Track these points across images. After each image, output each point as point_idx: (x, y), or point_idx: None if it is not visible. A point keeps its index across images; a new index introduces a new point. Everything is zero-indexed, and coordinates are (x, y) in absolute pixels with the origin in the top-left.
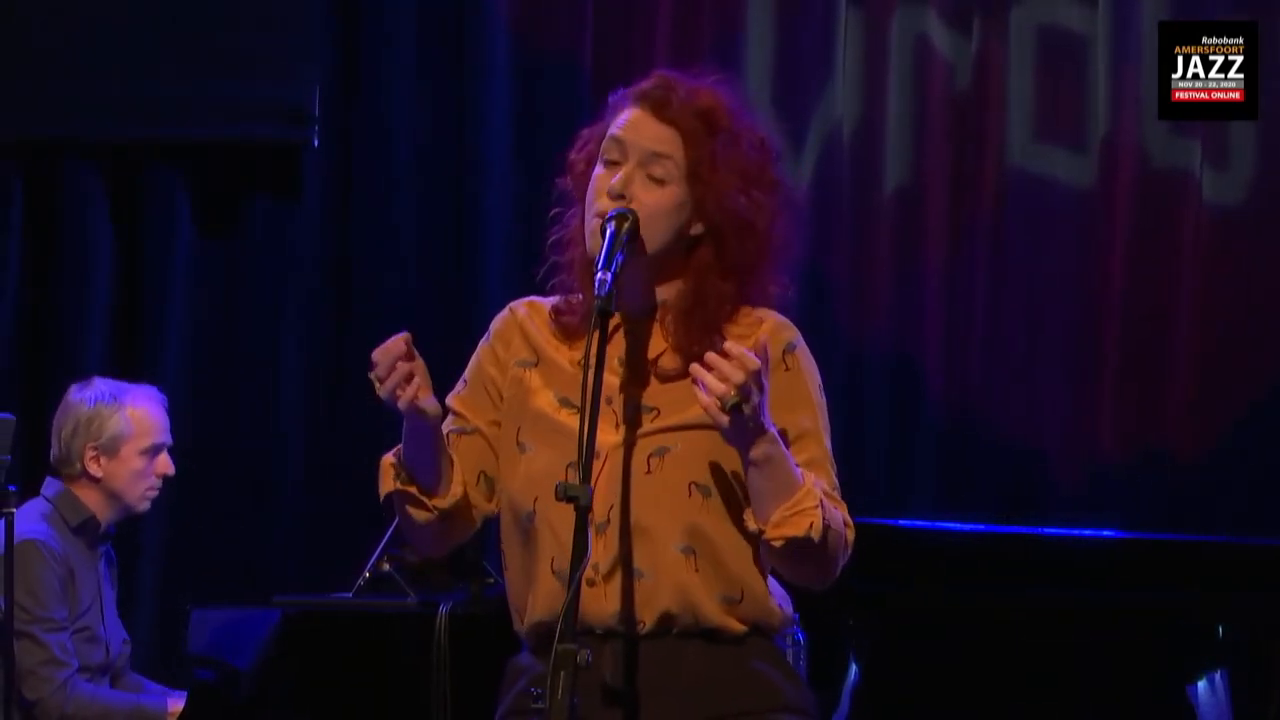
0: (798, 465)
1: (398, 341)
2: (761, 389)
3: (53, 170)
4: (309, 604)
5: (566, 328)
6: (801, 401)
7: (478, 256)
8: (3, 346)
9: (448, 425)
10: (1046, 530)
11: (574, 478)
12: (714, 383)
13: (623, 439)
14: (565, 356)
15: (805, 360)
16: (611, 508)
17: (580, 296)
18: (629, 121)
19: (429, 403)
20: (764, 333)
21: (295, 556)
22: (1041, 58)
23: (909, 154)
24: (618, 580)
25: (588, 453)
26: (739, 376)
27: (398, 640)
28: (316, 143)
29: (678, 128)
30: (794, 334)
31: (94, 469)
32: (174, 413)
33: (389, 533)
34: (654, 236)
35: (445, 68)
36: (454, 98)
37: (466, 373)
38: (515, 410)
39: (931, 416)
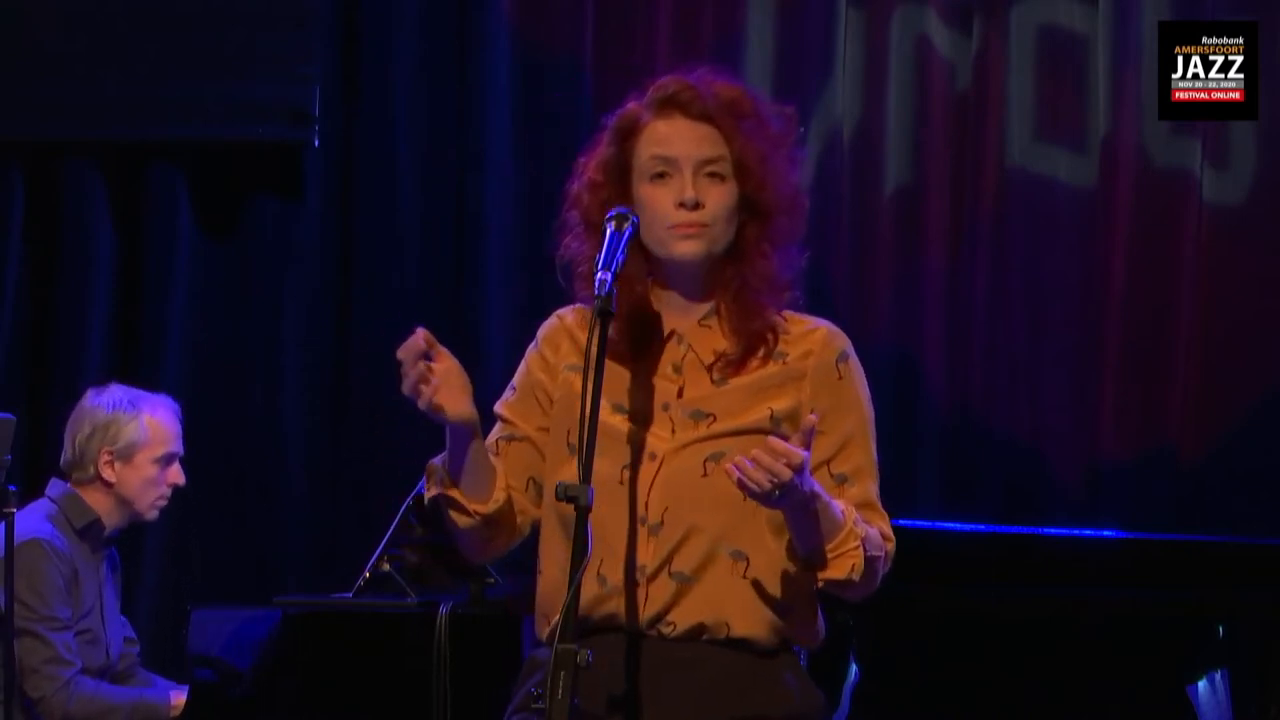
0: (844, 475)
1: (416, 338)
2: (805, 472)
3: (53, 170)
4: (309, 604)
5: (611, 344)
6: (851, 409)
7: (478, 256)
8: (3, 347)
9: (497, 432)
10: (1047, 530)
11: (628, 479)
12: (761, 480)
13: (680, 443)
14: (617, 364)
15: (856, 370)
16: (666, 510)
17: (624, 315)
18: (668, 132)
19: (452, 405)
20: (816, 346)
21: (296, 556)
22: (1041, 58)
23: (909, 154)
24: (662, 582)
25: (588, 453)
26: (785, 475)
27: (398, 640)
28: (317, 143)
29: (715, 124)
30: (846, 343)
31: (108, 474)
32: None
33: (389, 533)
34: (723, 235)
35: (445, 67)
36: (454, 98)
37: (515, 379)
38: (565, 413)
39: (932, 416)
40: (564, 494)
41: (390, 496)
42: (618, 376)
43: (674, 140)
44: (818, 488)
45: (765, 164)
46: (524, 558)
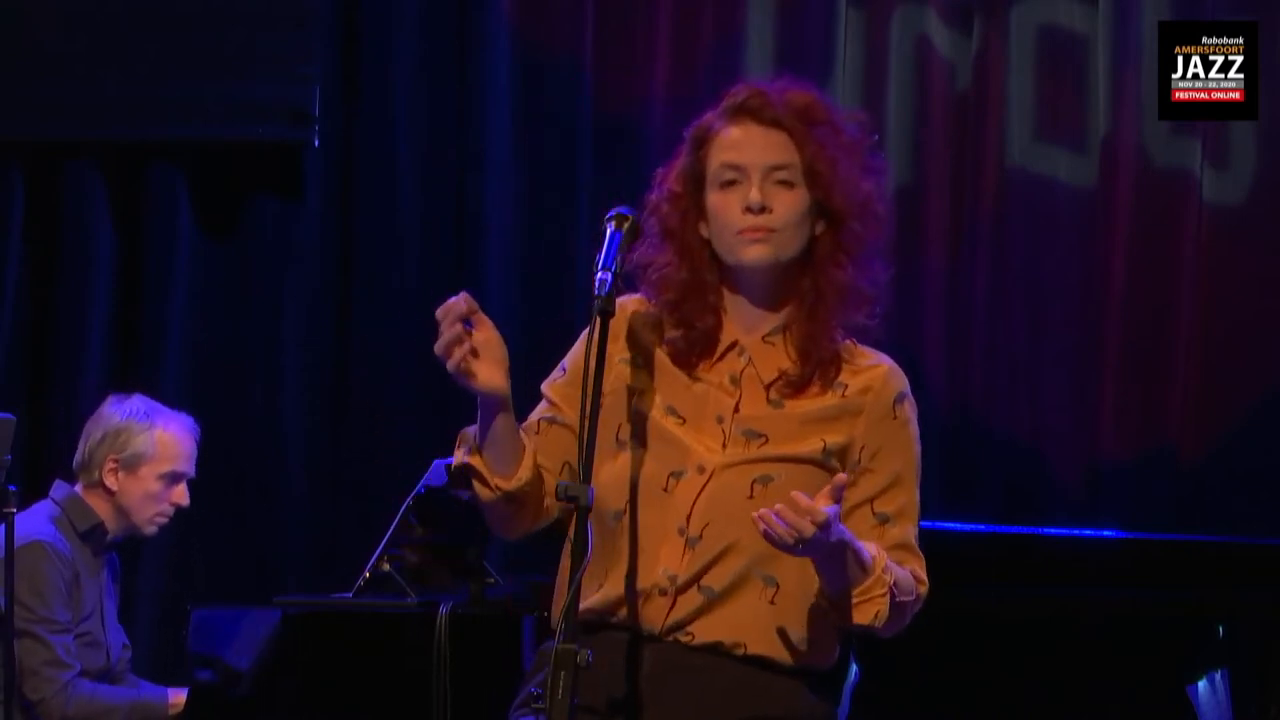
0: (886, 515)
1: (458, 300)
2: (830, 528)
3: (53, 170)
4: (309, 604)
5: (675, 349)
6: (901, 451)
7: (478, 256)
8: (3, 347)
9: (540, 411)
10: (1047, 530)
11: (674, 487)
12: (784, 534)
13: (729, 460)
14: (677, 367)
15: (912, 411)
16: (708, 525)
17: (695, 324)
18: (739, 139)
19: (484, 375)
20: (876, 383)
21: (296, 556)
22: (1041, 58)
23: (909, 154)
24: (691, 595)
25: (588, 453)
26: (808, 531)
27: (398, 640)
28: (317, 143)
29: (785, 130)
30: (904, 383)
31: (110, 481)
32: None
33: (389, 533)
34: (791, 241)
35: (445, 68)
36: (454, 98)
37: (566, 360)
38: (615, 406)
39: (932, 417)
40: (564, 494)
41: (390, 496)
42: (676, 380)
43: (744, 147)
44: (847, 535)
45: (836, 170)
46: (525, 558)
